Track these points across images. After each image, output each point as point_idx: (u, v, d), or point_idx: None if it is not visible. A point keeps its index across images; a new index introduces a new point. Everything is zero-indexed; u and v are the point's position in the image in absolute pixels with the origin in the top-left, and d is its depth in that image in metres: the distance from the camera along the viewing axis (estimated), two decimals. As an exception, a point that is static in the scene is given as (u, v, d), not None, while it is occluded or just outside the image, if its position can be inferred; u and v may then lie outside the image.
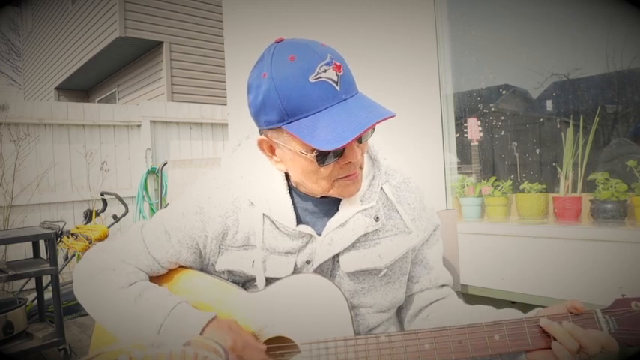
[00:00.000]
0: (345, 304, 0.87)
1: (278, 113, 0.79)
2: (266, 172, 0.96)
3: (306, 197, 0.95)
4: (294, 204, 0.94)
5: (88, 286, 0.95)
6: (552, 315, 0.81)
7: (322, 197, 0.93)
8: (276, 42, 0.84)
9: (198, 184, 1.00)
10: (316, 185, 0.88)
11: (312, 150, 0.80)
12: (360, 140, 0.84)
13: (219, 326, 0.85)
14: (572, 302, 0.81)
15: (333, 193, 0.89)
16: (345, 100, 0.78)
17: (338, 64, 0.79)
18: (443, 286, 1.05)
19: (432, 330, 0.82)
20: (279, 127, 0.81)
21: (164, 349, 0.79)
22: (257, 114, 0.84)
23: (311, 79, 0.77)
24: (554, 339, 0.77)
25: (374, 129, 0.83)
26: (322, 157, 0.81)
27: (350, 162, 0.84)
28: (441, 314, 1.00)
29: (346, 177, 0.86)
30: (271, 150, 0.90)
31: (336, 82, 0.78)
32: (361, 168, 0.90)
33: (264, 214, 0.93)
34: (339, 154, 0.82)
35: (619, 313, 0.79)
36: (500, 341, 0.81)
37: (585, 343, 0.74)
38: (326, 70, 0.78)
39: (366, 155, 1.00)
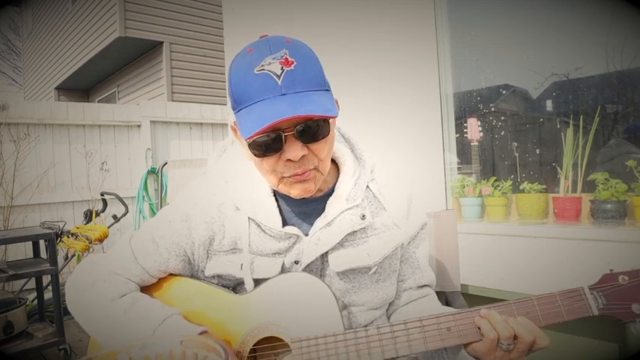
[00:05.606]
0: (333, 300, 0.87)
1: (231, 101, 0.83)
2: (251, 175, 0.96)
3: (290, 198, 0.94)
4: (279, 206, 0.94)
5: (80, 299, 0.95)
6: (542, 296, 0.82)
7: (306, 198, 0.92)
8: (260, 37, 0.85)
9: (184, 192, 1.01)
10: (266, 178, 0.89)
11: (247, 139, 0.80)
12: (304, 140, 0.80)
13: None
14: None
15: (282, 190, 0.89)
16: (285, 94, 0.77)
17: (290, 59, 0.78)
18: (425, 286, 1.06)
19: (420, 319, 0.83)
20: (236, 115, 0.84)
21: (160, 349, 0.78)
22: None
23: (255, 70, 0.78)
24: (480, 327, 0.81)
25: (322, 133, 0.81)
26: (255, 148, 0.81)
27: (289, 160, 0.81)
28: (420, 312, 0.99)
29: (292, 176, 0.84)
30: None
31: (279, 76, 0.77)
32: (317, 169, 0.86)
33: (249, 218, 0.93)
34: (275, 149, 0.81)
35: (607, 288, 0.79)
36: None
37: (519, 330, 0.77)
38: (270, 64, 0.77)
39: (351, 154, 1.00)
